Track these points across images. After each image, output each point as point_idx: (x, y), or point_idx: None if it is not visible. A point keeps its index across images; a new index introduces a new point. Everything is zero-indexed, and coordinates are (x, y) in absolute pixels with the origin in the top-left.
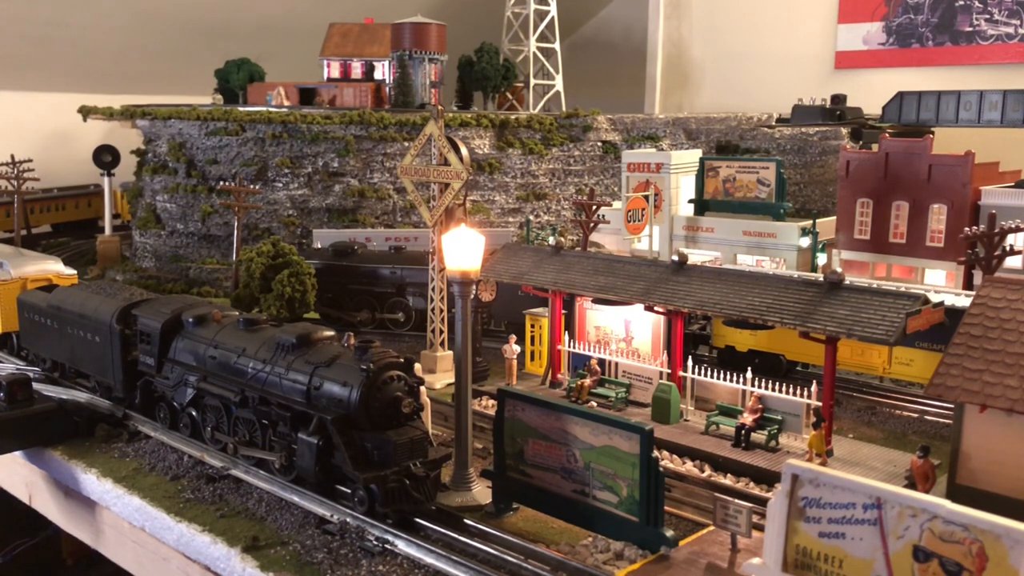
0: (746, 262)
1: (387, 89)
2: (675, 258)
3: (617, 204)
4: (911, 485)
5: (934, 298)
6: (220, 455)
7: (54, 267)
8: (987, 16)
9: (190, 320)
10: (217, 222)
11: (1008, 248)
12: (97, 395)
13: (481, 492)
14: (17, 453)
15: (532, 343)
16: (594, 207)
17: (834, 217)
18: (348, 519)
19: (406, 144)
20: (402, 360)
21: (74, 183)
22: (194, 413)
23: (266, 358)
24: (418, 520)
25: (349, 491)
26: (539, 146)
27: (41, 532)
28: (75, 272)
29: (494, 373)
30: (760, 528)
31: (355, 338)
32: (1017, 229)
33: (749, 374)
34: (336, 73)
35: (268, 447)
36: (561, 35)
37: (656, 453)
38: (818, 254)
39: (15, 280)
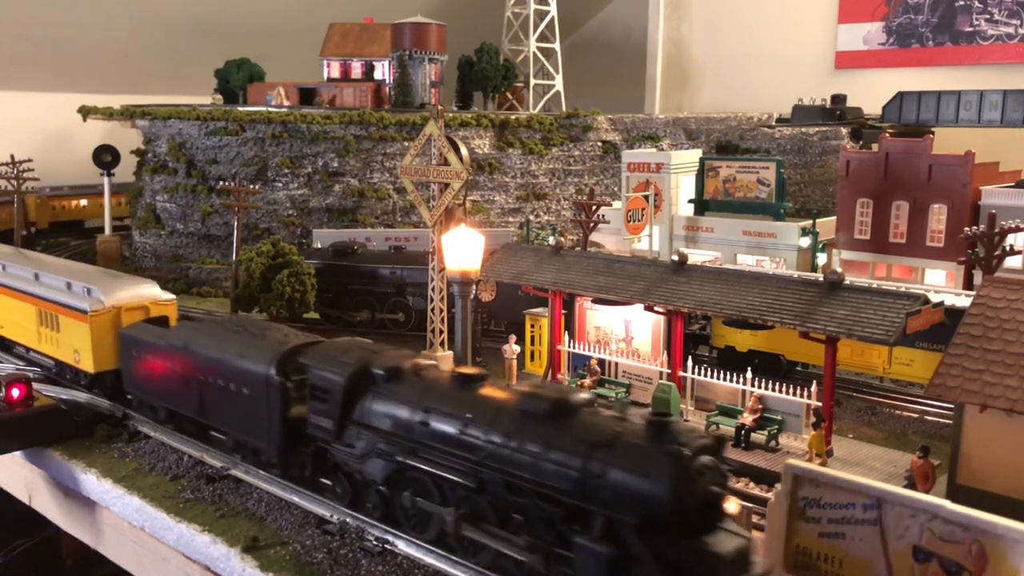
0: (746, 262)
1: (387, 89)
2: (675, 258)
3: (617, 204)
4: (911, 485)
5: (934, 298)
6: (220, 455)
7: (150, 291)
8: (987, 16)
9: (381, 373)
10: (217, 222)
11: (1008, 248)
12: (241, 457)
13: None
14: (17, 453)
15: (532, 343)
16: (594, 207)
17: (834, 217)
18: (348, 519)
19: (406, 144)
20: (711, 440)
21: (70, 183)
22: (384, 489)
23: (508, 430)
24: None
25: None
26: (539, 146)
27: (41, 532)
28: (173, 298)
29: (494, 373)
30: (760, 528)
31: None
32: (1017, 229)
33: (749, 374)
34: (336, 73)
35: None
36: (561, 35)
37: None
38: (818, 254)
39: (107, 310)
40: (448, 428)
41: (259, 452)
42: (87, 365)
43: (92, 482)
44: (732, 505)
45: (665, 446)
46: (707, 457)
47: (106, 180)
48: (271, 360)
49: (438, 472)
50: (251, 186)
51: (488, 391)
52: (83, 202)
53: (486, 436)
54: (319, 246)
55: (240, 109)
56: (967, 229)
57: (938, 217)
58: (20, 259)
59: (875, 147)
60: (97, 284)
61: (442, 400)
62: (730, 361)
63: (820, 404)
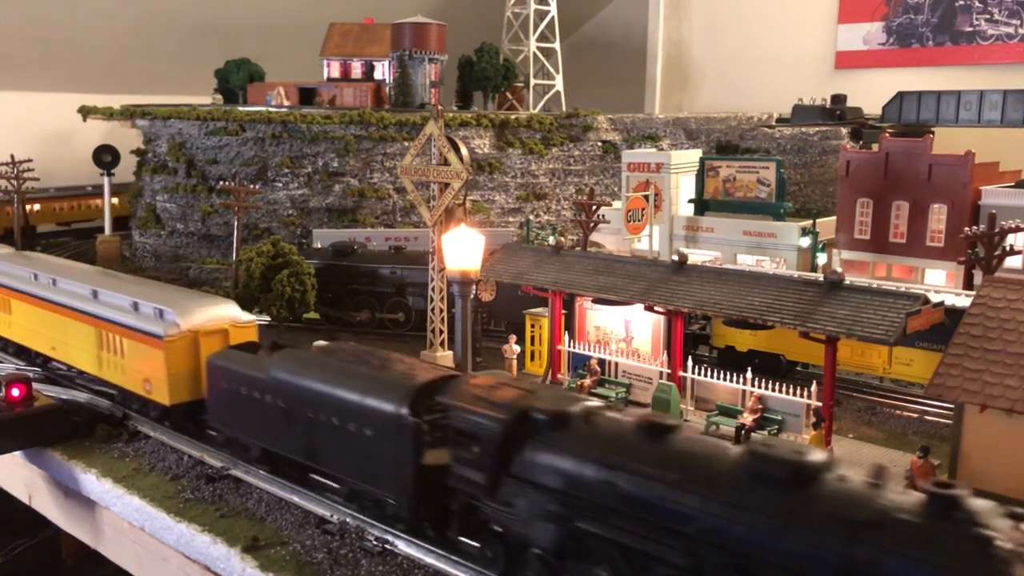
0: (746, 262)
1: (387, 89)
2: (675, 258)
3: (617, 204)
4: (911, 485)
5: (934, 298)
6: (220, 455)
7: (228, 312)
8: (987, 16)
9: (545, 419)
10: (217, 222)
11: (1008, 248)
12: (359, 508)
13: None
14: (17, 453)
15: (532, 343)
16: (594, 207)
17: (834, 217)
18: (348, 519)
19: (406, 144)
20: (1011, 512)
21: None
22: (552, 558)
23: (734, 499)
24: None
25: None
26: (539, 146)
27: (41, 532)
28: (253, 319)
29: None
30: None
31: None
32: (1017, 229)
33: (749, 374)
34: (336, 73)
35: None
36: (561, 35)
37: None
38: (818, 254)
39: (184, 335)
40: (646, 491)
41: (383, 504)
42: (161, 396)
43: (92, 482)
44: None
45: (962, 527)
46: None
47: (106, 180)
48: (403, 397)
49: (635, 546)
50: (251, 186)
51: (689, 444)
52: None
53: (703, 505)
54: (319, 246)
55: (240, 109)
56: (967, 229)
57: (938, 217)
58: (74, 274)
59: (875, 147)
60: (170, 305)
61: (632, 454)
62: (730, 361)
63: (820, 404)
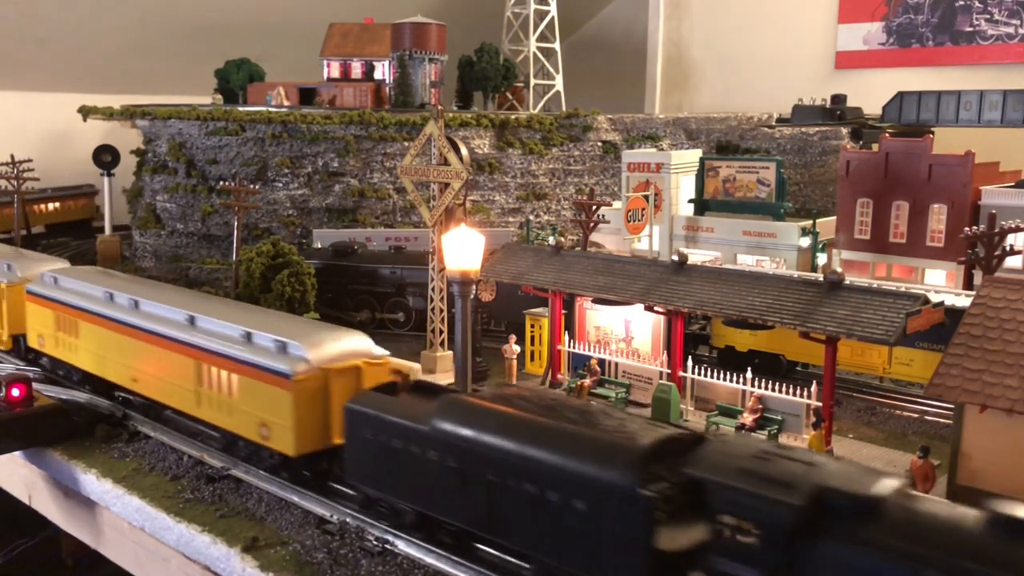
0: (746, 262)
1: (387, 89)
2: (675, 258)
3: (617, 204)
4: (911, 485)
5: (934, 298)
6: (220, 455)
7: (360, 345)
8: (987, 16)
9: (848, 504)
10: (217, 222)
11: (1008, 248)
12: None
13: None
14: (17, 453)
15: (532, 343)
16: (594, 207)
17: (834, 217)
18: (348, 519)
19: (406, 144)
20: None
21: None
22: None
23: None
24: None
25: None
26: (539, 146)
27: (41, 532)
28: (387, 353)
29: (494, 373)
30: None
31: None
32: (1017, 229)
33: (749, 374)
34: (336, 73)
35: None
36: (561, 35)
37: None
38: (818, 254)
39: (315, 372)
40: None
41: None
42: (283, 444)
43: (92, 482)
44: None
45: None
46: None
47: (106, 180)
48: (630, 465)
49: None
50: (251, 186)
51: None
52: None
53: None
54: (319, 246)
55: (240, 109)
56: (967, 229)
57: (938, 217)
58: (160, 295)
59: (875, 147)
60: (295, 336)
61: (984, 560)
62: (730, 361)
63: (820, 404)
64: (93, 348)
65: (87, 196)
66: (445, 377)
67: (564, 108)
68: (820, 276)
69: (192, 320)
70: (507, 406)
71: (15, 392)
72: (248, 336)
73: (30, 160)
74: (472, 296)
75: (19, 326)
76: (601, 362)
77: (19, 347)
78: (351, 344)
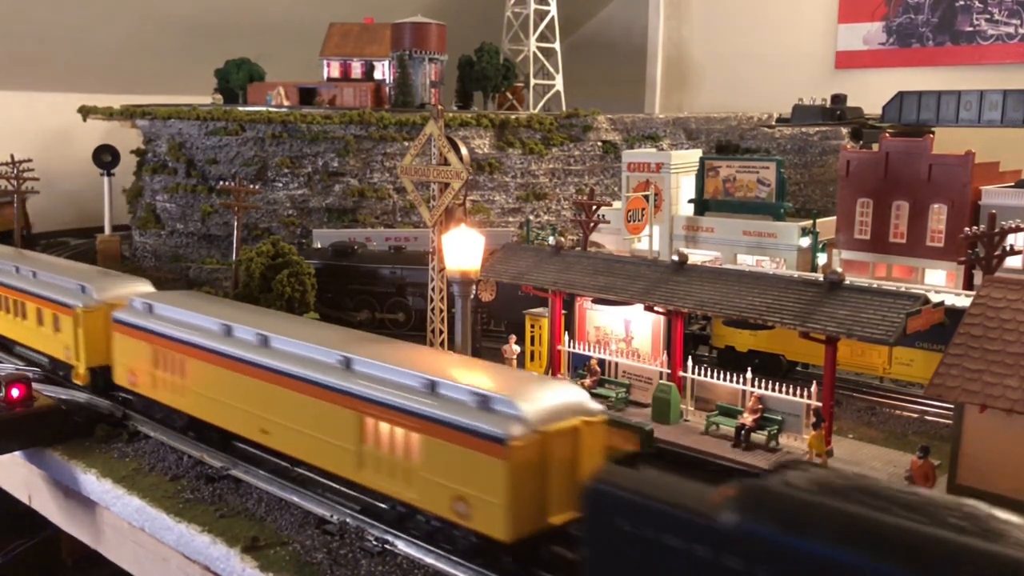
0: (746, 262)
1: (387, 89)
2: (675, 258)
3: (617, 204)
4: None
5: (934, 298)
6: (220, 455)
7: (573, 399)
8: (987, 16)
9: None
10: (217, 222)
11: (1008, 248)
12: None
13: None
14: (17, 453)
15: (532, 343)
16: (594, 207)
17: (834, 217)
18: (348, 519)
19: (406, 144)
20: None
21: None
22: None
23: None
24: None
25: None
26: (539, 146)
27: (41, 532)
28: (602, 409)
29: None
30: None
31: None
32: (1017, 229)
33: (749, 374)
34: (336, 73)
35: None
36: (561, 35)
37: None
38: (818, 254)
39: (535, 438)
40: None
41: None
42: (491, 526)
43: (92, 482)
44: None
45: None
46: None
47: (106, 180)
48: None
49: None
50: (251, 186)
51: None
52: None
53: None
54: (319, 246)
55: (240, 109)
56: (967, 229)
57: (938, 217)
58: (291, 329)
59: (875, 147)
60: (502, 390)
61: None
62: (730, 361)
63: (820, 404)
64: (205, 391)
65: (7, 205)
66: None
67: (564, 108)
68: (820, 276)
69: (348, 363)
70: (839, 502)
71: (15, 392)
72: (433, 386)
73: (30, 160)
74: (472, 296)
75: (99, 357)
76: (601, 362)
77: (97, 381)
78: (564, 397)
